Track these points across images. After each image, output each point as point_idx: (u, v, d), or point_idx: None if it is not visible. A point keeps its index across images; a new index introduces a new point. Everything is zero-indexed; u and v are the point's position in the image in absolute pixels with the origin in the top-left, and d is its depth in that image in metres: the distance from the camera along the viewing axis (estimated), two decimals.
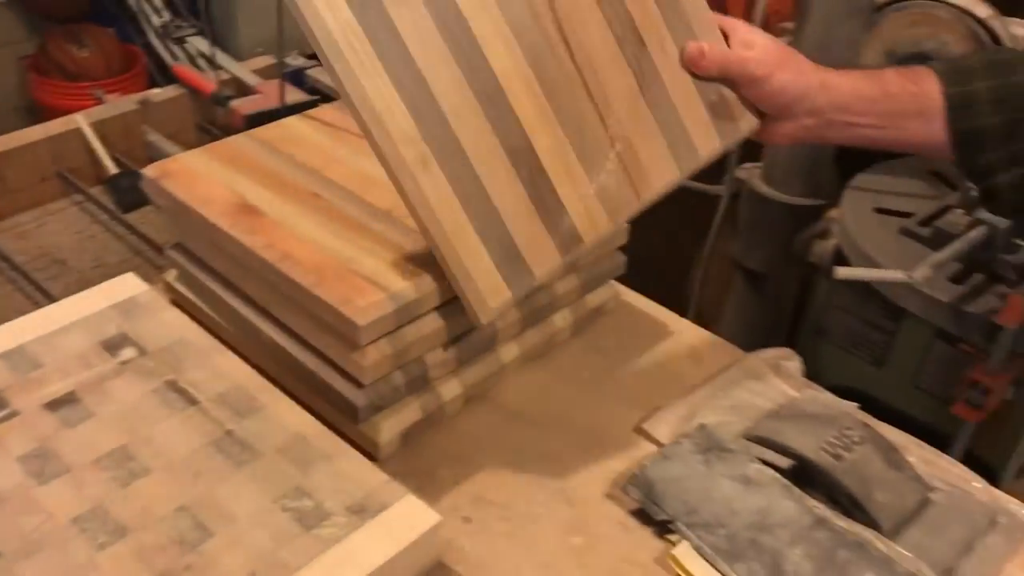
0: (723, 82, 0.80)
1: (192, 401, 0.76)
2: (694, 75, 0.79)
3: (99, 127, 1.51)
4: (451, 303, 0.79)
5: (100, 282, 1.33)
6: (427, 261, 0.76)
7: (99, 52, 2.49)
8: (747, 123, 0.81)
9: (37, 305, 1.29)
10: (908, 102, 0.79)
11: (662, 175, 0.78)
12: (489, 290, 0.70)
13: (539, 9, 0.73)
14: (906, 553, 0.70)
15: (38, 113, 2.61)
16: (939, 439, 1.05)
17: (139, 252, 1.41)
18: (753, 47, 0.79)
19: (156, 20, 2.42)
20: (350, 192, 0.84)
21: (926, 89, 0.79)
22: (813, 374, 0.92)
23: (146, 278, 1.34)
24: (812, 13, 1.13)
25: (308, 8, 0.64)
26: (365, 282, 0.74)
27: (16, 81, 2.61)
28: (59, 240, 1.42)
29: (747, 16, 1.56)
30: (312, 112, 0.97)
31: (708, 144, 0.80)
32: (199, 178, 0.85)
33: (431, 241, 0.69)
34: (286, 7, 0.67)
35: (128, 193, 1.48)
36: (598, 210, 0.75)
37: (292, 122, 0.95)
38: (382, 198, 0.83)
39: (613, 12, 0.76)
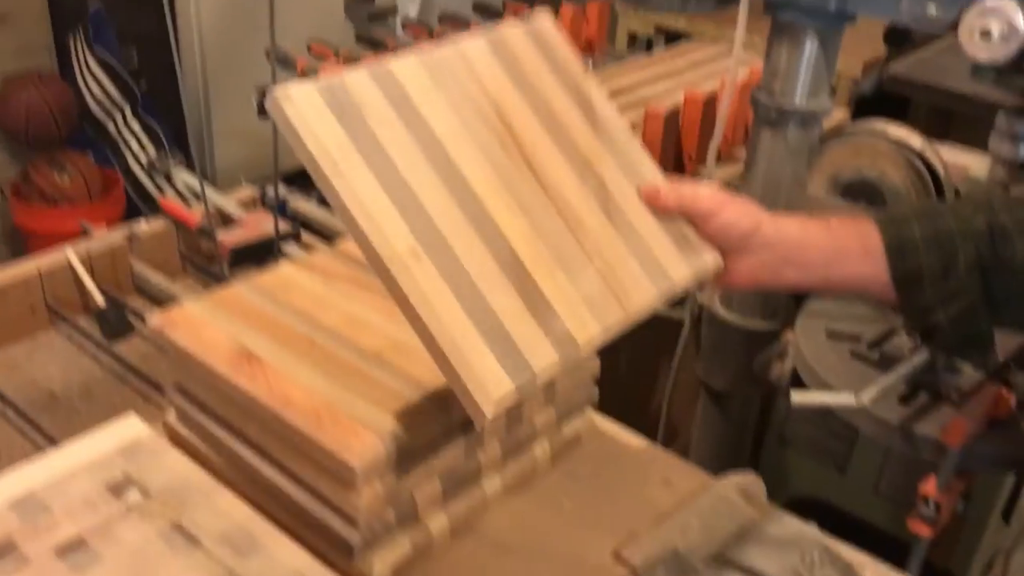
0: (682, 215, 0.86)
1: (196, 542, 0.81)
2: (654, 209, 0.86)
3: (87, 260, 1.56)
4: (440, 441, 0.85)
5: (89, 412, 1.38)
6: (417, 403, 0.82)
7: (79, 178, 2.57)
8: (712, 257, 0.86)
9: (27, 438, 1.33)
10: (852, 240, 0.86)
11: (642, 293, 0.82)
12: (491, 382, 0.70)
13: (504, 139, 0.80)
14: None
15: (18, 237, 2.67)
16: (900, 546, 1.11)
17: (126, 381, 1.45)
18: (703, 188, 0.87)
19: (142, 156, 2.52)
20: (343, 336, 0.91)
21: (866, 230, 0.87)
22: (779, 483, 0.98)
23: (133, 406, 1.40)
24: (759, 153, 1.24)
25: (303, 126, 0.71)
26: (360, 425, 0.80)
27: None
28: (48, 371, 1.46)
29: (702, 143, 1.67)
30: (304, 259, 1.05)
31: (679, 271, 0.84)
32: (201, 326, 0.91)
33: (427, 334, 0.70)
34: (280, 137, 0.75)
35: (115, 324, 1.53)
36: (587, 316, 0.77)
37: (286, 269, 1.02)
38: (373, 342, 0.90)
39: (568, 147, 0.83)
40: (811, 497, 1.69)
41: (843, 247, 0.87)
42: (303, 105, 0.72)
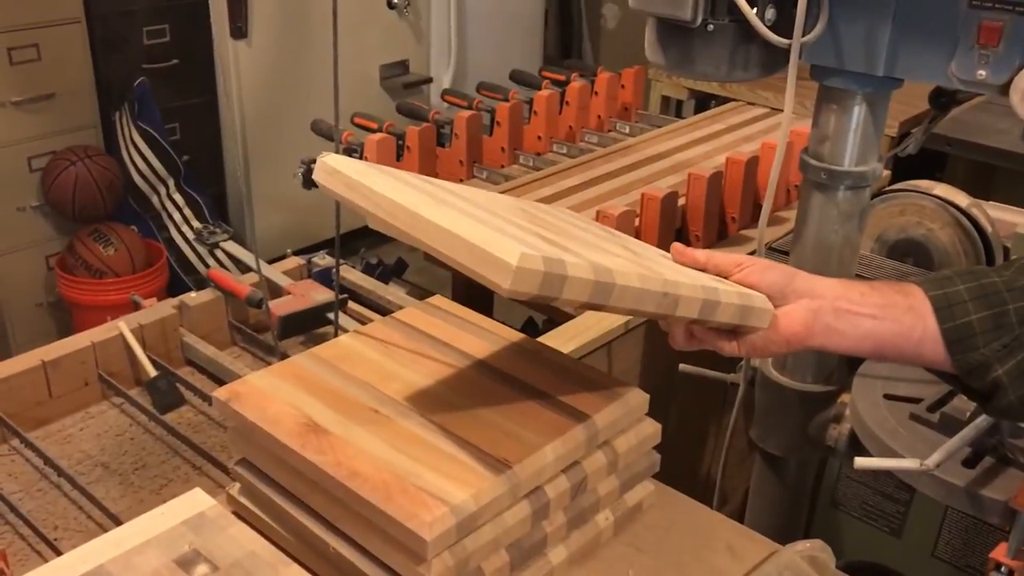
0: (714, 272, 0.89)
1: None
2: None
3: (138, 332, 1.58)
4: (507, 512, 0.85)
5: (142, 483, 1.39)
6: (484, 473, 0.82)
7: (124, 250, 2.62)
8: (760, 297, 0.86)
9: (82, 510, 1.34)
10: (896, 298, 0.86)
11: (685, 281, 0.83)
12: (514, 250, 0.69)
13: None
14: None
15: (63, 308, 2.72)
16: None
17: (178, 452, 1.46)
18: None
19: (185, 228, 2.57)
20: (407, 406, 0.91)
21: (910, 290, 0.87)
22: (833, 547, 0.96)
23: (186, 476, 1.40)
24: (810, 216, 1.24)
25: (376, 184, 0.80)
26: (428, 496, 0.80)
27: (44, 279, 2.73)
28: (101, 443, 1.47)
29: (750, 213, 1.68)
30: (363, 329, 1.05)
31: (726, 286, 0.86)
32: (266, 399, 0.92)
33: (447, 237, 0.73)
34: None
35: (166, 394, 1.54)
36: (629, 268, 0.79)
37: (345, 340, 1.03)
38: (437, 412, 0.90)
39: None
40: (867, 561, 1.66)
41: (890, 302, 0.86)
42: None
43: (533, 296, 0.71)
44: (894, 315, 0.85)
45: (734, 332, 0.86)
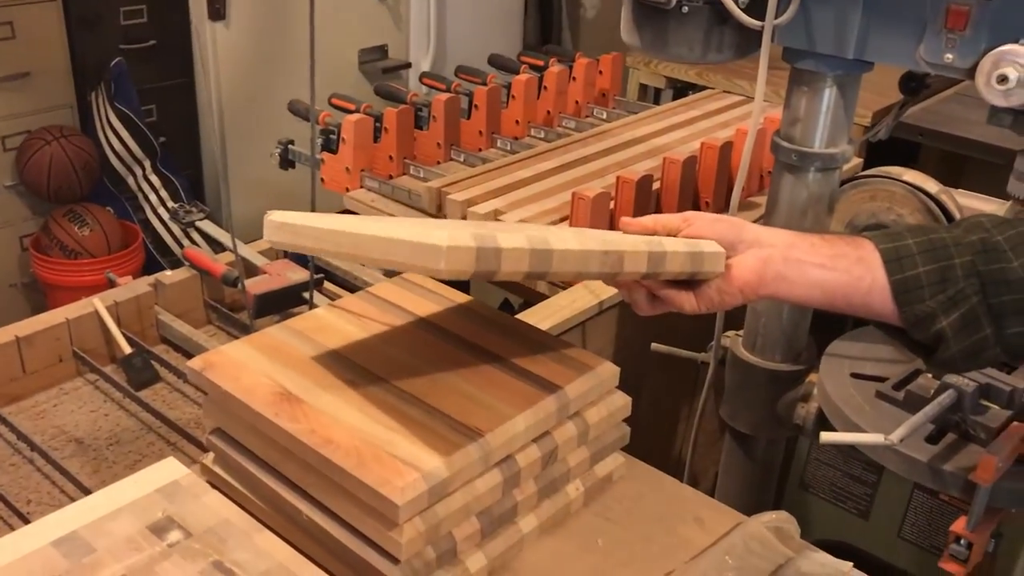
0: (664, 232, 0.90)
1: None
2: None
3: (113, 309, 1.58)
4: (478, 480, 0.86)
5: (116, 459, 1.39)
6: (456, 441, 0.84)
7: (100, 231, 2.61)
8: (710, 243, 0.88)
9: (55, 485, 1.34)
10: (846, 249, 0.88)
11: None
12: (438, 237, 0.72)
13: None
14: None
15: (38, 290, 2.70)
16: None
17: (152, 428, 1.46)
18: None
19: (161, 209, 2.56)
20: (380, 377, 0.92)
21: (861, 243, 0.89)
22: (802, 526, 0.98)
23: (160, 452, 1.41)
24: (780, 198, 1.26)
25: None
26: (401, 463, 0.81)
27: (17, 259, 2.70)
28: (75, 418, 1.47)
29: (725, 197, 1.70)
30: (338, 303, 1.06)
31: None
32: (241, 368, 0.92)
33: (382, 244, 0.76)
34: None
35: (141, 371, 1.54)
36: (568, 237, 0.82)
37: (320, 312, 1.04)
38: (410, 382, 0.91)
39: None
40: (834, 540, 1.69)
41: (840, 253, 0.88)
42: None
43: (473, 274, 0.73)
44: (844, 265, 0.87)
45: (692, 286, 0.88)
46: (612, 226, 1.57)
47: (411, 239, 0.73)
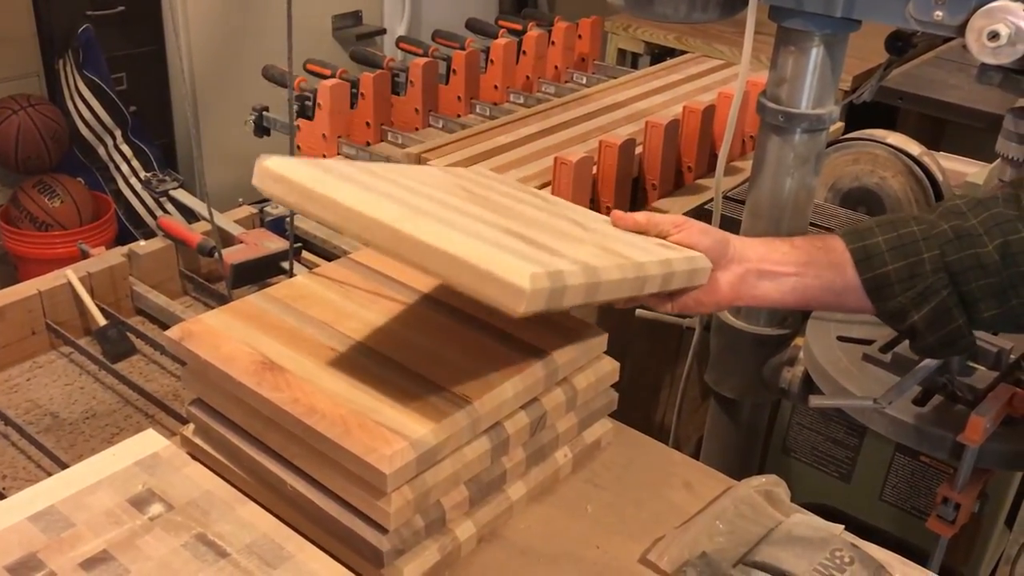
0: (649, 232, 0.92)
1: (222, 553, 0.79)
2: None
3: (87, 281, 1.55)
4: (466, 447, 0.84)
5: (92, 432, 1.36)
6: (443, 408, 0.82)
7: (70, 202, 2.56)
8: (701, 255, 0.90)
9: (30, 459, 1.31)
10: (817, 254, 0.92)
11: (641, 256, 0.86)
12: (520, 271, 0.69)
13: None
14: None
15: (8, 262, 2.65)
16: (908, 551, 1.11)
17: (128, 401, 1.43)
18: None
19: (133, 179, 2.51)
20: (364, 344, 0.90)
21: (831, 244, 0.92)
22: None
23: (136, 425, 1.38)
24: (767, 160, 1.24)
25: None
26: (388, 431, 0.79)
27: None
28: (49, 392, 1.44)
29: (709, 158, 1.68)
30: (320, 270, 1.04)
31: (672, 252, 0.89)
32: (221, 337, 0.90)
33: (446, 255, 0.71)
34: None
35: (116, 343, 1.51)
36: (597, 256, 0.81)
37: (301, 280, 1.01)
38: (395, 349, 0.89)
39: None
40: (816, 503, 1.70)
41: (811, 259, 0.91)
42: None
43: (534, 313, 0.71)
44: (815, 271, 0.91)
45: (673, 293, 0.90)
46: (594, 192, 1.55)
47: (486, 266, 0.69)
